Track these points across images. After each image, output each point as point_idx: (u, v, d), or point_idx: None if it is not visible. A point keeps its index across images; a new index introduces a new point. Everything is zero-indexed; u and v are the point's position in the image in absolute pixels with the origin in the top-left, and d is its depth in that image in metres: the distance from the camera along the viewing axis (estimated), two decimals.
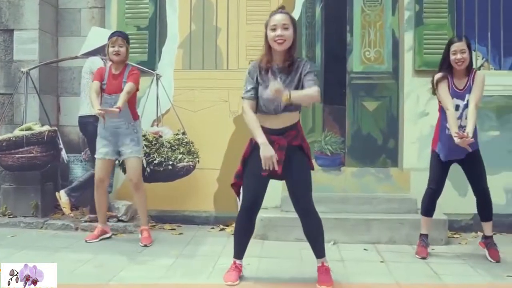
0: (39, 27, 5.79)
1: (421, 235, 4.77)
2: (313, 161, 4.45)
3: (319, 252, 3.82)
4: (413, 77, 5.79)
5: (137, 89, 4.96)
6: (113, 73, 4.92)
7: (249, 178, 3.78)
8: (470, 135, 4.18)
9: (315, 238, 3.79)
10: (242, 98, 3.81)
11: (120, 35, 4.94)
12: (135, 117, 4.97)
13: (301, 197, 3.73)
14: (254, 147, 3.75)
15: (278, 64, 3.70)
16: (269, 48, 3.70)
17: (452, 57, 4.41)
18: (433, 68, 5.66)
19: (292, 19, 3.69)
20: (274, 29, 3.63)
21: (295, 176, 3.71)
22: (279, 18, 3.64)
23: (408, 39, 5.80)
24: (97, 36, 5.57)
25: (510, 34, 5.84)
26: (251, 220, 3.84)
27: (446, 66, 4.48)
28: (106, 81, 4.91)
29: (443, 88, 4.43)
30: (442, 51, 5.65)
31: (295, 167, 3.70)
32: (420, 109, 5.77)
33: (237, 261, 3.94)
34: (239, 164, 3.86)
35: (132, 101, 4.93)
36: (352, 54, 5.92)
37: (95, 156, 4.99)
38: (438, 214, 4.91)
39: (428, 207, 4.71)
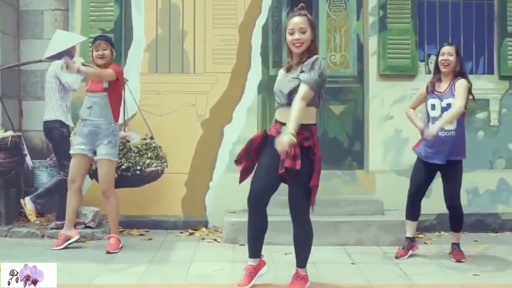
0: (0, 30, 5.62)
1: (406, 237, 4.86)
2: None
3: (298, 260, 3.88)
4: (378, 81, 5.90)
5: (117, 79, 4.86)
6: None
7: (258, 172, 3.81)
8: (434, 129, 4.37)
9: (298, 247, 3.85)
10: None
11: (103, 39, 4.94)
12: (116, 119, 4.91)
13: (294, 204, 3.76)
14: (269, 140, 3.75)
15: (296, 64, 3.73)
16: (289, 49, 3.76)
17: (439, 58, 4.64)
18: (397, 72, 5.87)
19: (310, 20, 3.68)
20: (291, 33, 3.67)
21: (295, 183, 3.70)
22: (296, 21, 3.66)
23: (372, 43, 5.92)
24: (62, 39, 5.43)
25: (470, 39, 6.05)
26: (257, 215, 3.80)
27: (436, 70, 4.72)
28: (90, 81, 4.92)
29: (418, 94, 4.86)
30: (406, 55, 5.87)
31: (300, 172, 3.61)
32: (385, 113, 5.90)
33: (249, 262, 3.90)
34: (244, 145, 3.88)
35: (114, 103, 4.87)
36: None
37: (70, 152, 4.93)
38: (403, 215, 4.99)
39: (407, 210, 4.84)
